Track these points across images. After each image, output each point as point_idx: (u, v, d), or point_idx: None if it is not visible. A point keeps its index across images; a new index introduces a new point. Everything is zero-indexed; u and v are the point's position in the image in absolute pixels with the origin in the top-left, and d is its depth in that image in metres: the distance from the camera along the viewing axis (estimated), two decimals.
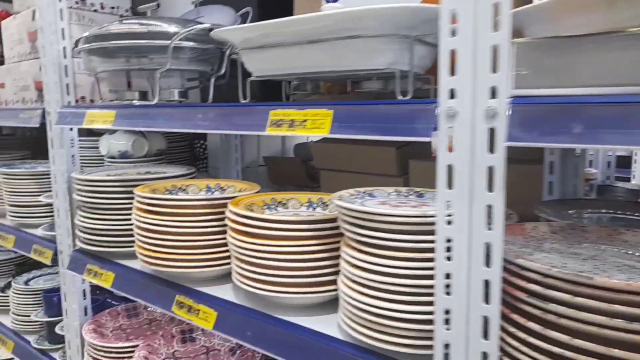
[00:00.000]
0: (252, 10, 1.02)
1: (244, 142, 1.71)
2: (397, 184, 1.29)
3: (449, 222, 0.58)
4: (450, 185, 0.57)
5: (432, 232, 0.64)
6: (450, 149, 0.57)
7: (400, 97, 0.65)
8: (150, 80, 1.22)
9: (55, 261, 1.29)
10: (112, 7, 1.28)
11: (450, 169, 0.57)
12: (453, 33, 0.54)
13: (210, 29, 0.95)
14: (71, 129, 1.26)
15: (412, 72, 0.64)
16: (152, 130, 0.86)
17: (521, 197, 1.06)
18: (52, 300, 1.41)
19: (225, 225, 0.92)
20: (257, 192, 1.01)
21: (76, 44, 1.02)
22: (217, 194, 1.11)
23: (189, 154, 1.84)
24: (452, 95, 0.56)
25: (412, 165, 1.23)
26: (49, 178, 1.33)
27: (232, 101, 0.86)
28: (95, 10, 1.25)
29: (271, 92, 1.01)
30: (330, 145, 1.40)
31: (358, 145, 1.33)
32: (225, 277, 0.98)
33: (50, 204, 1.33)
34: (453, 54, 0.55)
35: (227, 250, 0.94)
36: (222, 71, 1.01)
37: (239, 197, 0.94)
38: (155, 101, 0.94)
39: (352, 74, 0.71)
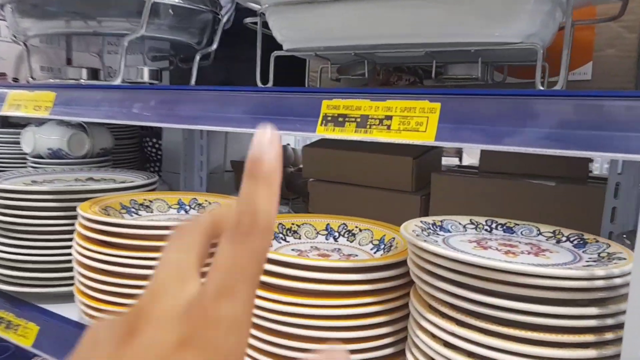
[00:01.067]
0: None
1: (209, 143, 1.41)
2: (413, 203, 1.06)
3: None
4: None
5: (601, 303, 0.41)
6: None
7: (541, 88, 0.42)
8: (101, 55, 0.91)
9: None
10: None
11: None
12: None
13: None
14: None
15: (568, 50, 0.41)
16: (117, 122, 0.57)
17: (573, 225, 0.88)
18: None
19: None
20: None
21: None
22: (193, 214, 0.82)
23: (137, 154, 1.51)
24: None
25: (435, 180, 1.01)
26: None
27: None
28: None
29: (284, 79, 0.74)
30: (326, 150, 1.15)
31: (363, 153, 1.09)
32: None
33: None
34: None
35: None
36: (214, 45, 0.73)
37: None
38: (118, 81, 0.64)
39: (455, 51, 0.47)
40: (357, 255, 0.65)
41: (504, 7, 0.41)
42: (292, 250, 0.66)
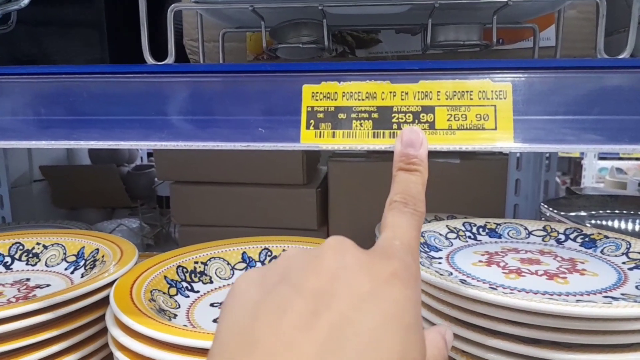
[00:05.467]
0: None
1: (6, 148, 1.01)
2: (309, 198, 0.91)
3: None
4: None
5: None
6: None
7: (602, 55, 0.30)
8: None
9: None
10: None
11: None
12: None
13: None
14: None
15: None
16: None
17: (482, 196, 0.85)
18: None
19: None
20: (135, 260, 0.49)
21: None
22: (26, 273, 0.52)
23: None
24: None
25: (333, 168, 0.87)
26: None
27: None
28: None
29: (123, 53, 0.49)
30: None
31: None
32: None
33: None
34: None
35: None
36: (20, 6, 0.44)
37: (118, 282, 0.42)
38: None
39: (462, 9, 0.32)
40: None
41: None
42: None
